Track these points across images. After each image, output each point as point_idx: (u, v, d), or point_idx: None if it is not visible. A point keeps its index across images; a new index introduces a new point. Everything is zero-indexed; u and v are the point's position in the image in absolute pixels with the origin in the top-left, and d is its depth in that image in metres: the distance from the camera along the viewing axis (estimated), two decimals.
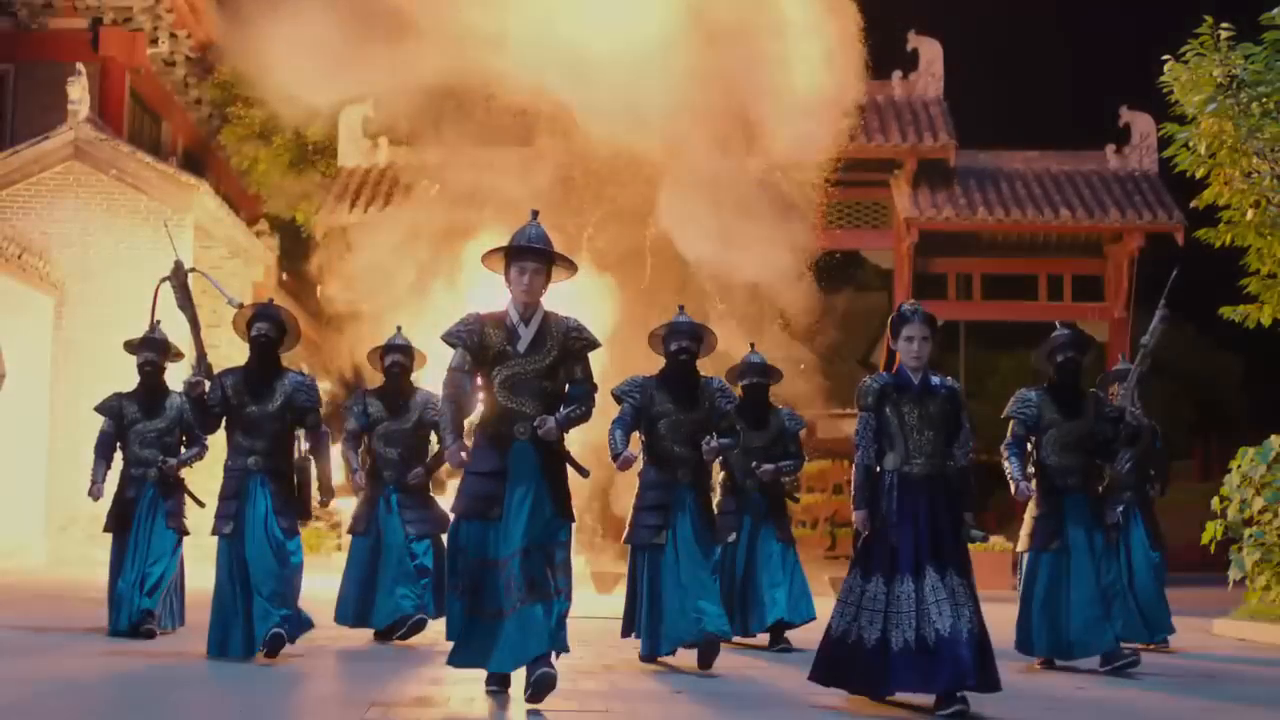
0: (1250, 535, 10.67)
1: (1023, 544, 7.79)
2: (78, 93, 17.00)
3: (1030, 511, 7.77)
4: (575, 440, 6.13)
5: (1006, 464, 7.62)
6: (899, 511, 5.85)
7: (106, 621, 8.17)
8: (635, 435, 7.56)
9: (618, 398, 7.46)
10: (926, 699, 5.75)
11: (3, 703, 5.34)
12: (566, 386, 5.85)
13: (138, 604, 8.02)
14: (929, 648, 5.62)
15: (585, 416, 5.82)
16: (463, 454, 5.71)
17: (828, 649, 5.93)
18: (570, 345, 5.81)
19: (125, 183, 17.02)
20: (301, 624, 7.15)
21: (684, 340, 7.54)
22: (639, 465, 7.52)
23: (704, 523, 7.38)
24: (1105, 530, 7.72)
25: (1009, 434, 7.75)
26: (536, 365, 5.74)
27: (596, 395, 5.95)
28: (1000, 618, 5.93)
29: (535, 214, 5.95)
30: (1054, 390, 7.78)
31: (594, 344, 5.90)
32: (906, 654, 5.66)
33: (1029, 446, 7.77)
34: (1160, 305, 7.93)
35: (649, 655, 7.35)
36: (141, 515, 8.26)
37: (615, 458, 7.14)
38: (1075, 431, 7.69)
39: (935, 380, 6.04)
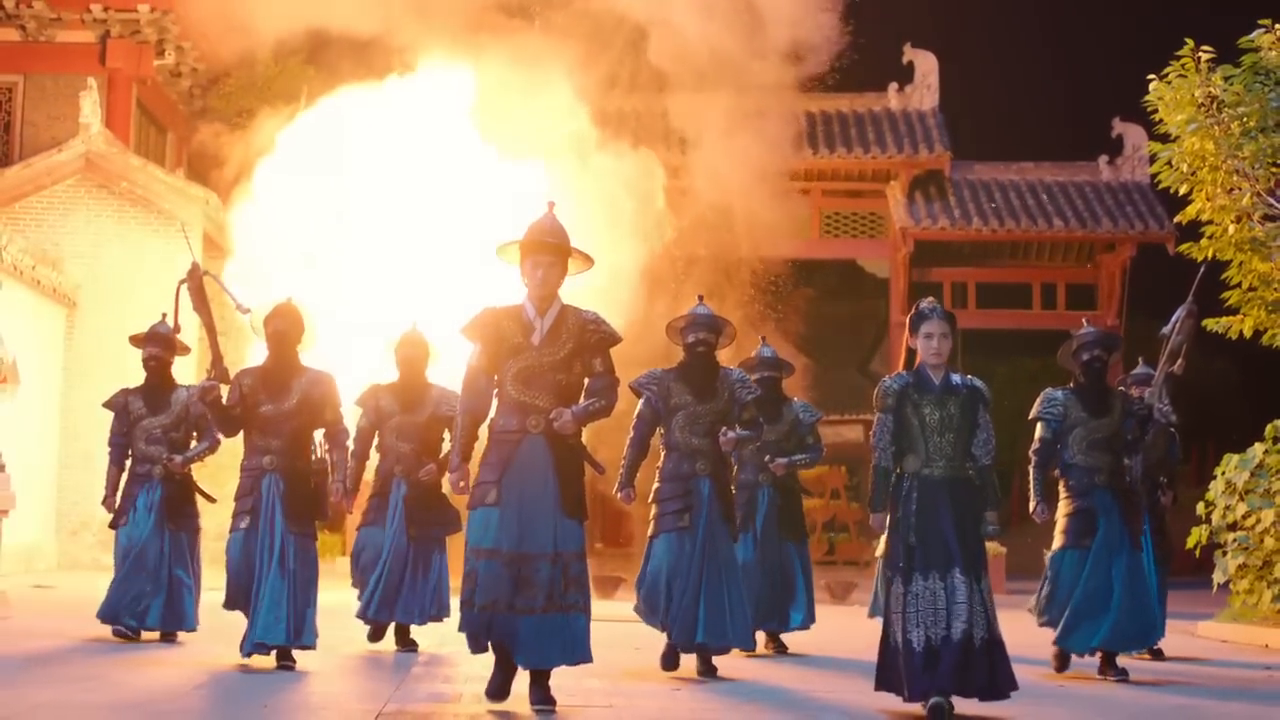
0: (1234, 540, 10.92)
1: (1057, 542, 7.66)
2: (89, 106, 17.19)
3: (1062, 510, 7.68)
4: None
5: (1031, 475, 7.57)
6: (919, 514, 5.75)
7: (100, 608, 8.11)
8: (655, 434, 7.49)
9: (636, 390, 7.37)
10: (915, 707, 5.82)
11: (23, 706, 5.36)
12: (585, 380, 5.72)
13: (128, 607, 8.00)
14: (942, 652, 5.58)
15: (607, 410, 5.68)
16: (462, 483, 5.65)
17: (879, 652, 5.89)
18: (587, 338, 5.69)
19: (135, 195, 17.26)
20: (305, 633, 6.88)
21: (702, 332, 7.46)
22: (658, 461, 7.47)
23: (724, 516, 7.23)
24: (1132, 525, 7.59)
25: (1036, 439, 7.66)
26: (551, 358, 5.63)
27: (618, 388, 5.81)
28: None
29: (551, 205, 5.82)
30: (1080, 389, 7.69)
31: (613, 337, 5.77)
32: (923, 655, 5.60)
33: (1055, 451, 7.66)
34: (1188, 300, 7.84)
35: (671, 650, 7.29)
36: (146, 513, 8.15)
37: (619, 489, 7.21)
38: (1102, 430, 7.58)
39: (956, 379, 5.91)
